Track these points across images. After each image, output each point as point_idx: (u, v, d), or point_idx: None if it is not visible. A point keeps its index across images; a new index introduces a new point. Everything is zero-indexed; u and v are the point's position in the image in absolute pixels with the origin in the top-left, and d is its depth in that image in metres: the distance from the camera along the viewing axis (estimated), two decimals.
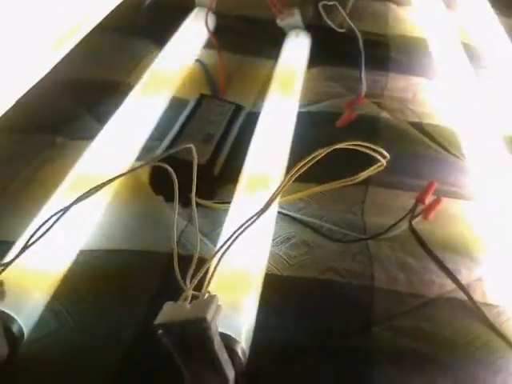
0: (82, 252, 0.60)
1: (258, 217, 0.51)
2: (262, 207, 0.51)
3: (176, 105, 0.84)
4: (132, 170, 0.53)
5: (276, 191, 0.53)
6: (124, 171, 0.68)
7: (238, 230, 0.50)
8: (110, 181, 0.49)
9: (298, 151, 0.76)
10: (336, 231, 0.68)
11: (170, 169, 0.52)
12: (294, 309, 0.58)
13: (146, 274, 0.59)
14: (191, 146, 0.51)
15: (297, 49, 0.98)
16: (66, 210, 0.46)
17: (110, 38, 0.98)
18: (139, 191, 0.69)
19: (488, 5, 1.21)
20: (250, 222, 0.50)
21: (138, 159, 0.73)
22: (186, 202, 0.59)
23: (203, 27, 0.98)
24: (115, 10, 0.98)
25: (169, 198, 0.68)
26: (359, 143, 0.59)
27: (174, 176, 0.52)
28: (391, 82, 0.99)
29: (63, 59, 0.84)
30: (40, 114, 0.78)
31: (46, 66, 0.81)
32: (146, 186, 0.70)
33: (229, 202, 0.66)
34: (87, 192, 0.48)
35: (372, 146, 0.61)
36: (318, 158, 0.57)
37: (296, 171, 0.55)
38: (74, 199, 0.46)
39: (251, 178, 0.69)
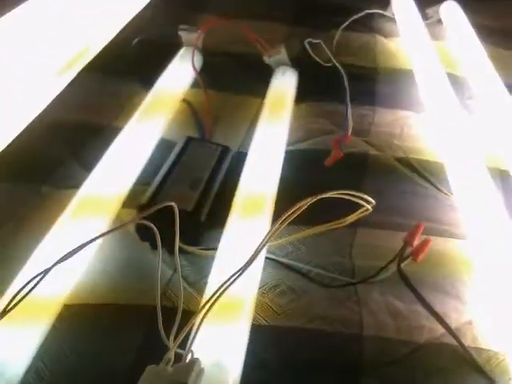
0: (66, 306, 0.59)
1: (242, 273, 0.51)
2: (244, 263, 0.51)
3: (164, 147, 0.84)
4: (113, 230, 0.53)
5: (259, 246, 0.53)
6: (110, 220, 0.69)
7: (220, 287, 0.50)
8: (90, 242, 0.49)
9: (287, 193, 0.76)
10: (324, 275, 0.68)
11: (153, 226, 0.52)
12: (281, 361, 0.58)
13: (131, 330, 0.58)
14: (172, 203, 0.51)
15: (284, 86, 0.99)
16: (45, 273, 0.46)
17: (95, 80, 0.97)
18: (126, 238, 0.69)
19: (475, 35, 1.22)
20: (232, 280, 0.50)
21: (124, 205, 0.72)
22: (172, 250, 0.59)
23: (190, 66, 0.98)
24: (101, 51, 0.98)
25: (155, 246, 0.67)
26: (343, 192, 0.59)
27: (157, 233, 0.52)
28: (378, 117, 0.99)
29: (48, 103, 0.84)
30: (25, 162, 0.78)
31: (32, 112, 0.80)
32: (133, 232, 0.69)
33: (215, 249, 0.66)
34: (66, 255, 0.47)
35: (356, 194, 0.61)
36: (303, 209, 0.57)
37: (280, 224, 0.55)
38: (53, 263, 0.46)
39: (238, 222, 0.69)
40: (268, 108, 0.92)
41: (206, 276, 0.62)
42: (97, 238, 0.53)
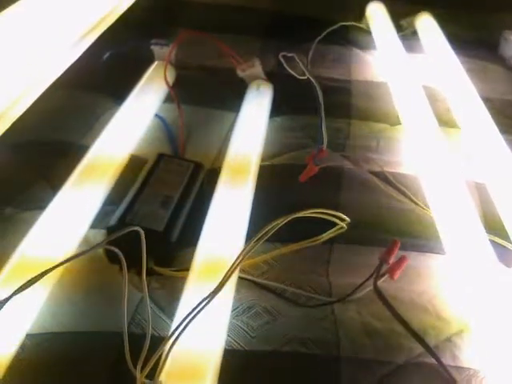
0: (28, 336, 0.56)
1: (213, 297, 0.49)
2: (215, 287, 0.49)
3: (135, 163, 0.82)
4: (79, 255, 0.51)
5: (231, 268, 0.51)
6: (78, 241, 0.66)
7: (190, 313, 0.48)
8: (52, 269, 0.47)
9: (263, 209, 0.74)
10: (300, 295, 0.66)
11: (119, 252, 0.50)
12: None
13: (97, 359, 0.56)
14: (138, 228, 0.49)
15: (259, 100, 0.97)
16: (3, 303, 0.44)
17: (64, 97, 0.95)
18: (93, 261, 0.66)
19: (449, 46, 1.22)
20: (203, 305, 0.48)
21: (92, 226, 0.70)
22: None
23: (163, 81, 0.96)
24: (70, 66, 0.96)
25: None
26: (317, 211, 0.58)
27: (123, 259, 0.50)
28: (354, 130, 0.98)
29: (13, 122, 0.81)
30: None
31: None
32: (101, 254, 0.67)
33: (187, 269, 0.64)
34: (27, 282, 0.45)
35: (330, 212, 0.60)
36: (276, 229, 0.55)
37: (252, 245, 0.53)
38: (13, 292, 0.44)
39: (211, 242, 0.67)
40: (242, 122, 0.91)
41: (178, 299, 0.60)
42: (62, 263, 0.51)
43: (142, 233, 0.50)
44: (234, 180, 0.77)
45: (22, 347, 0.55)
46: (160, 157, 0.78)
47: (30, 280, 0.46)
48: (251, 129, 0.90)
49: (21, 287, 0.46)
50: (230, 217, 0.71)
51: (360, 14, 1.39)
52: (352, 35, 1.34)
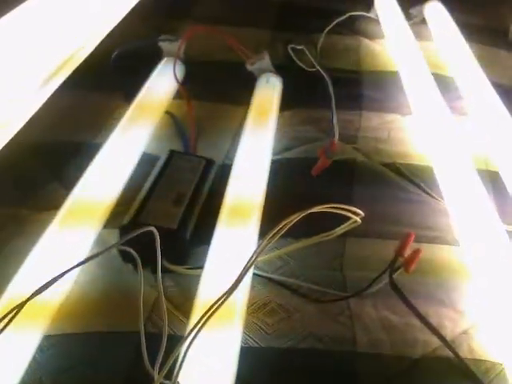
0: (45, 337, 0.57)
1: (228, 296, 0.49)
2: (231, 286, 0.49)
3: (146, 161, 0.82)
4: (93, 257, 0.51)
5: (245, 267, 0.51)
6: (91, 241, 0.67)
7: (206, 312, 0.48)
8: (69, 270, 0.47)
9: (275, 204, 0.74)
10: (315, 290, 0.66)
11: (133, 252, 0.50)
12: None
13: (114, 359, 0.56)
14: (152, 228, 0.49)
15: (268, 93, 0.97)
16: (19, 308, 0.44)
17: (74, 96, 0.95)
18: (107, 260, 0.66)
19: (459, 33, 1.21)
20: (219, 303, 0.48)
21: (106, 225, 0.70)
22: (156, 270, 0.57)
23: (172, 77, 0.96)
24: (79, 66, 0.96)
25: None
26: (331, 205, 0.58)
27: (138, 259, 0.50)
28: (365, 121, 0.98)
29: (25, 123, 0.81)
30: (2, 185, 0.75)
31: (9, 132, 0.78)
32: (115, 253, 0.67)
33: (201, 267, 0.64)
34: (43, 286, 0.45)
35: (344, 207, 0.60)
36: (289, 225, 0.55)
37: (265, 243, 0.53)
38: (29, 296, 0.44)
39: (224, 238, 0.67)
40: (252, 117, 0.90)
41: (193, 297, 0.60)
42: (78, 265, 0.51)
43: (157, 233, 0.50)
44: (246, 175, 0.77)
45: (40, 349, 0.56)
46: (171, 153, 0.78)
47: (45, 284, 0.47)
48: (262, 123, 0.89)
49: (37, 291, 0.46)
50: (243, 214, 0.70)
51: (369, 4, 1.37)
52: (361, 25, 1.33)
